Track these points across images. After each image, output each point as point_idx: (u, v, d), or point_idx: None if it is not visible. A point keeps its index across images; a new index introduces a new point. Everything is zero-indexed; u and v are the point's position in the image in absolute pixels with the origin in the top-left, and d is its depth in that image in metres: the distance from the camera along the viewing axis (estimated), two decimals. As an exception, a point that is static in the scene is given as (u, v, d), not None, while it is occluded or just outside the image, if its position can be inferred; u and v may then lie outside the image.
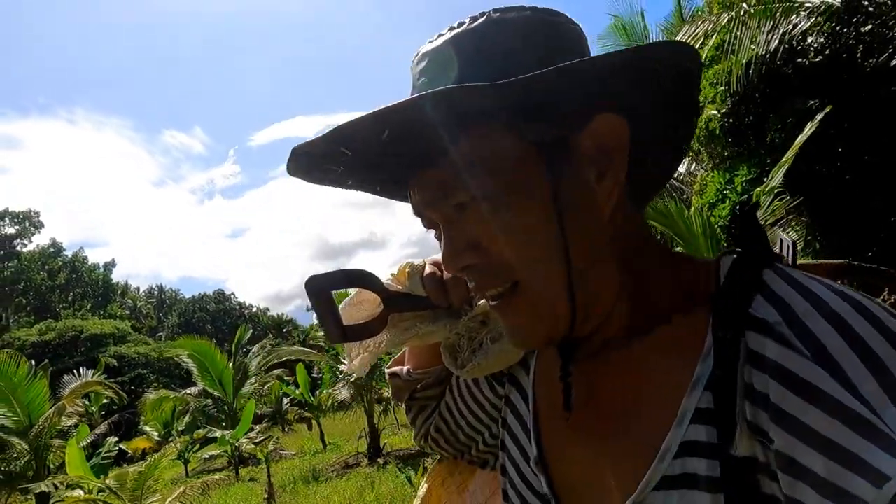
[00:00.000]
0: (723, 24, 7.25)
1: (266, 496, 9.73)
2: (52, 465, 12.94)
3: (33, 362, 13.43)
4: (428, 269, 0.76)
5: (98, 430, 14.45)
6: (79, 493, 10.30)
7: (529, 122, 0.56)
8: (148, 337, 43.64)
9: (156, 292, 64.18)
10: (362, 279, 0.72)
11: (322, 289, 0.69)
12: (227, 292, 59.81)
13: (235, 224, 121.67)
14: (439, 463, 1.03)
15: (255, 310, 58.37)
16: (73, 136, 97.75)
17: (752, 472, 0.50)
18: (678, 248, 8.34)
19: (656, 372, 0.59)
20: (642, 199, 0.69)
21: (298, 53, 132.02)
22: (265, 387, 19.58)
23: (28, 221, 43.58)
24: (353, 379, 10.17)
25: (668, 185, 9.68)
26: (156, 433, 20.16)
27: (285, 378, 20.65)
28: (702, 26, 7.53)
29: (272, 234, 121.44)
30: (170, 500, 7.46)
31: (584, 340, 0.65)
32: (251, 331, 24.28)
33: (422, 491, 1.03)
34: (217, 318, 51.22)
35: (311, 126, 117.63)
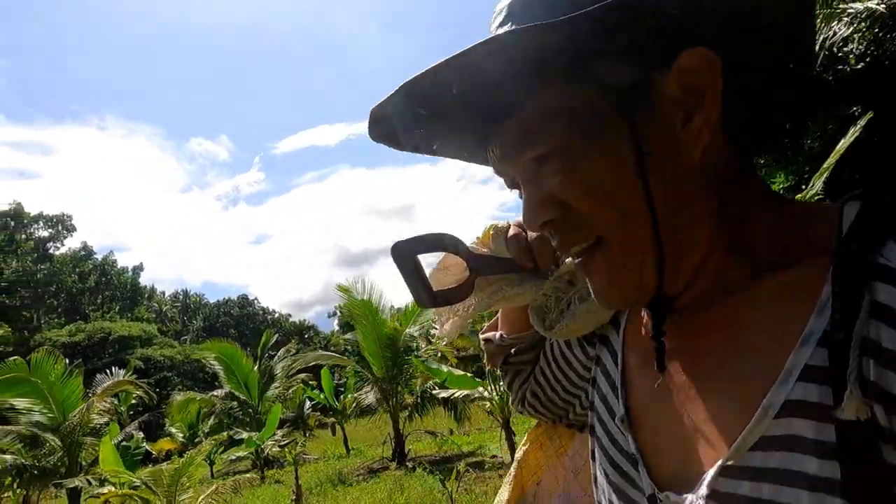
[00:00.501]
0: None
1: (294, 497, 9.81)
2: (83, 462, 13.19)
3: (67, 361, 13.73)
4: (512, 231, 0.74)
5: (128, 429, 14.74)
6: (110, 488, 10.51)
7: (608, 64, 0.52)
8: (173, 340, 44.38)
9: (181, 297, 65.29)
10: (447, 243, 0.72)
11: (408, 255, 0.69)
12: (250, 297, 60.61)
13: (258, 230, 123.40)
14: (537, 426, 1.02)
15: (277, 315, 59.01)
16: (104, 143, 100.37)
17: (874, 439, 0.45)
18: None
19: (758, 327, 0.55)
20: (750, 140, 0.61)
21: (323, 63, 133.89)
22: (289, 391, 19.74)
23: (61, 225, 44.75)
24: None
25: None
26: (181, 434, 20.40)
27: (310, 382, 20.80)
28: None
29: (294, 241, 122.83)
30: (202, 497, 7.57)
31: (677, 296, 0.60)
32: (276, 335, 24.54)
33: (519, 453, 1.02)
34: (241, 322, 51.90)
35: (334, 134, 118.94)
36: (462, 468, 6.43)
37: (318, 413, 31.58)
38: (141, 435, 15.97)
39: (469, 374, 9.03)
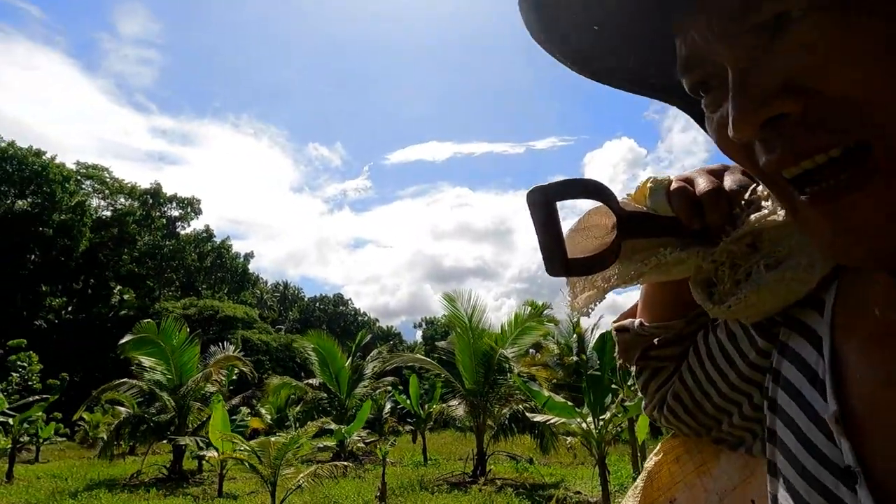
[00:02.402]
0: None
1: (378, 494, 10.06)
2: (190, 425, 14.27)
3: (188, 329, 14.95)
4: (675, 185, 0.59)
5: (233, 402, 15.82)
6: (214, 453, 11.28)
7: None
8: (270, 327, 47.06)
9: (281, 287, 69.23)
10: (598, 191, 0.56)
11: (547, 201, 0.53)
12: (345, 297, 63.17)
13: (358, 235, 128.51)
14: (674, 436, 0.84)
15: (367, 318, 61.02)
16: (236, 139, 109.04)
17: None
18: None
19: None
20: None
21: (442, 80, 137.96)
22: (376, 391, 20.30)
23: (190, 207, 49.05)
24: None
25: None
26: (269, 416, 21.45)
27: (398, 387, 21.29)
28: None
29: (389, 250, 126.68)
30: (302, 476, 7.98)
31: None
32: (370, 335, 25.36)
33: (650, 464, 0.88)
34: (333, 319, 54.17)
35: (443, 151, 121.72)
36: (560, 495, 6.33)
37: (394, 419, 32.17)
38: (247, 409, 17.10)
39: (570, 403, 8.88)
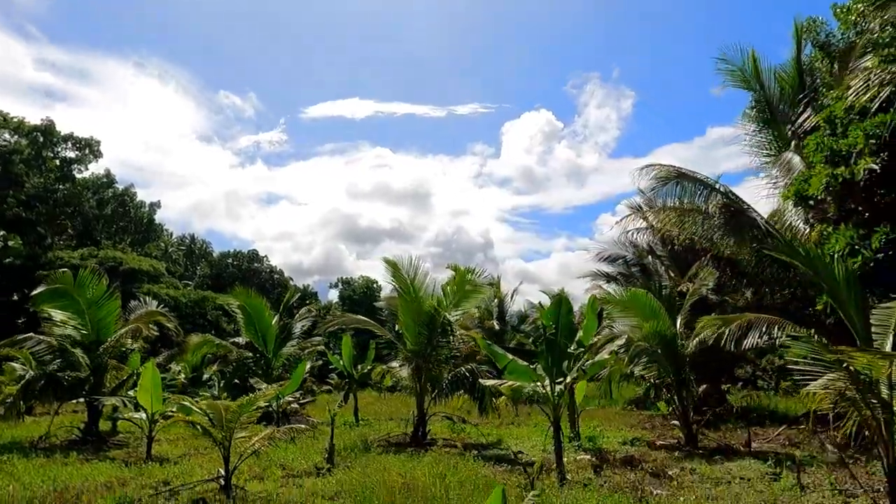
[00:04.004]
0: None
1: (326, 456, 9.80)
2: (108, 385, 13.20)
3: (107, 282, 13.72)
4: None
5: (157, 361, 14.71)
6: (141, 415, 10.50)
7: None
8: (178, 282, 44.37)
9: (187, 241, 65.27)
10: None
11: None
12: (261, 254, 60.58)
13: (271, 191, 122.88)
14: None
15: (283, 276, 59.06)
16: (139, 80, 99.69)
17: None
18: (824, 294, 8.20)
19: None
20: None
21: (366, 36, 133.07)
22: (305, 351, 19.74)
23: (88, 149, 44.46)
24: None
25: (767, 228, 9.38)
26: (184, 376, 20.36)
27: (331, 347, 20.84)
28: (874, 75, 7.39)
29: (304, 207, 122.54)
30: (257, 438, 7.56)
31: None
32: (299, 294, 24.53)
33: None
34: (247, 276, 51.86)
35: (364, 109, 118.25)
36: (537, 466, 6.40)
37: (315, 379, 31.69)
38: (178, 367, 16.02)
39: (531, 367, 8.97)
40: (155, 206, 52.03)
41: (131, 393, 12.38)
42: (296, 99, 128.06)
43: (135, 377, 12.75)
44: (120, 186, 48.66)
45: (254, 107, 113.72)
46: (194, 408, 7.37)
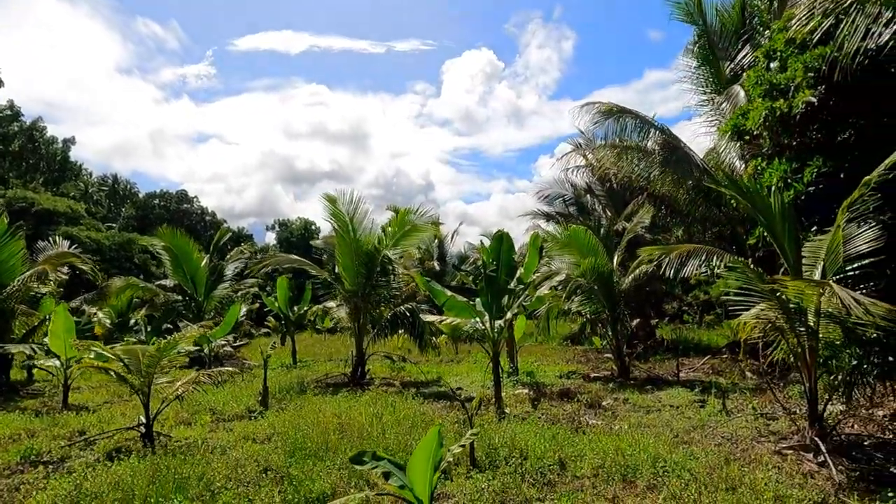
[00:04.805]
0: (844, 5, 6.98)
1: (260, 398, 9.46)
2: (16, 331, 12.23)
3: (7, 219, 12.48)
4: None
5: (72, 304, 13.69)
6: (55, 362, 9.76)
7: None
8: (100, 224, 41.66)
9: (109, 181, 61.09)
10: None
11: None
12: (190, 195, 57.50)
13: (200, 129, 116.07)
14: None
15: (215, 217, 56.51)
16: (45, 3, 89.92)
17: None
18: (758, 228, 8.31)
19: None
20: None
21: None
22: (238, 294, 19.00)
23: (-14, 76, 40.04)
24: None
25: (703, 165, 9.48)
26: (108, 321, 19.34)
27: (267, 291, 20.13)
28: (818, 3, 7.25)
29: (237, 147, 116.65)
30: (181, 383, 7.10)
31: None
32: (230, 234, 23.46)
33: None
34: (176, 218, 49.21)
35: (298, 42, 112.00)
36: (476, 402, 6.28)
37: (253, 322, 30.94)
38: (94, 310, 14.98)
39: (471, 302, 8.79)
40: (69, 142, 48.07)
41: (46, 340, 11.48)
42: (223, 30, 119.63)
43: (47, 323, 11.82)
44: (27, 120, 44.44)
45: (177, 38, 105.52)
46: (108, 353, 6.77)
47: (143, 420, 6.83)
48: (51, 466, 6.11)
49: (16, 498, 5.12)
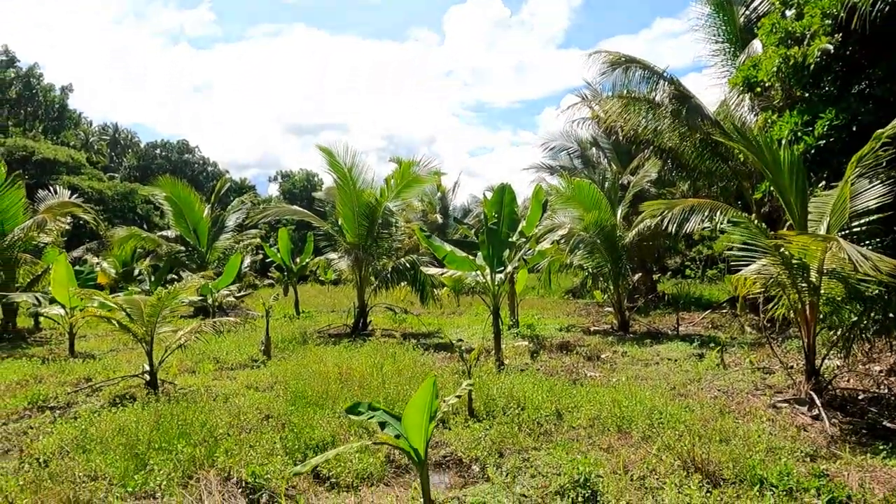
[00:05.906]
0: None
1: (263, 348, 9.58)
2: (21, 280, 12.31)
3: (5, 168, 12.38)
4: None
5: (75, 254, 13.74)
6: (59, 310, 9.86)
7: None
8: (102, 173, 41.44)
9: (110, 130, 60.44)
10: None
11: None
12: (191, 145, 56.96)
13: (201, 78, 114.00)
14: None
15: (217, 167, 56.17)
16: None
17: None
18: (765, 182, 8.17)
19: None
20: None
21: None
22: (240, 244, 19.03)
23: (-21, 20, 39.12)
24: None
25: (713, 118, 9.24)
26: (113, 270, 19.49)
27: (270, 241, 20.15)
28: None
29: (239, 96, 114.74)
30: (183, 332, 7.17)
31: None
32: (230, 184, 23.32)
33: None
34: (178, 168, 48.89)
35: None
36: (475, 353, 6.33)
37: (257, 273, 31.12)
38: (96, 260, 15.06)
39: (471, 257, 8.76)
40: (67, 89, 47.28)
41: (50, 289, 11.55)
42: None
43: (51, 272, 11.90)
44: (23, 67, 43.61)
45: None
46: (110, 302, 6.81)
47: (147, 368, 6.94)
48: (57, 412, 6.25)
49: (23, 441, 5.24)
